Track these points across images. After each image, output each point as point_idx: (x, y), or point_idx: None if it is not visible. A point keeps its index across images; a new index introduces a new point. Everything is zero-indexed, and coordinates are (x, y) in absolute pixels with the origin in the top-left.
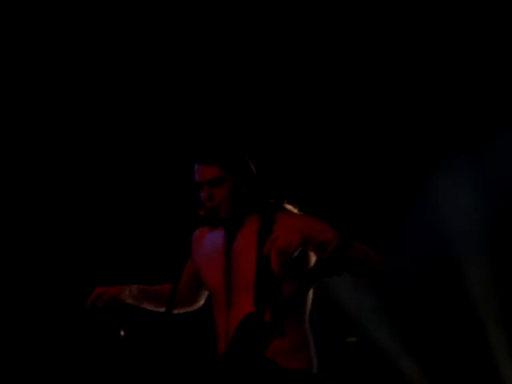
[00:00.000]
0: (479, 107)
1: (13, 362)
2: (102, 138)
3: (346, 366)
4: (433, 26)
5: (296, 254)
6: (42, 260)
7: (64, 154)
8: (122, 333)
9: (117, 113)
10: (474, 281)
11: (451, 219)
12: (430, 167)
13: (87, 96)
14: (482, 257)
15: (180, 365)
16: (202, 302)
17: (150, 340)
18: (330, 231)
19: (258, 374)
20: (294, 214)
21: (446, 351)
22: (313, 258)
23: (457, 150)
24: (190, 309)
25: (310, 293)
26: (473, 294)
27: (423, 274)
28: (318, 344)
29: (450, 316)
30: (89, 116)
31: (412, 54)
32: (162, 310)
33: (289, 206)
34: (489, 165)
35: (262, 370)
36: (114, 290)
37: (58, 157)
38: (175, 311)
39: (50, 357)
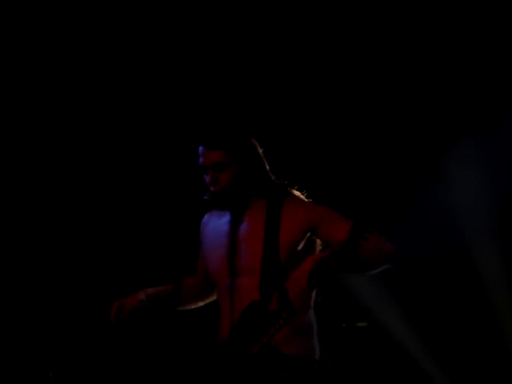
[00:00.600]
0: (486, 92)
1: (13, 361)
2: (102, 123)
3: (355, 351)
4: (438, 18)
5: (301, 246)
6: (43, 259)
7: (63, 148)
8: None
9: (119, 95)
10: (486, 267)
11: (462, 204)
12: (441, 152)
13: (86, 88)
14: (494, 243)
15: (183, 350)
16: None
17: (154, 326)
18: (342, 221)
19: (260, 361)
20: (302, 200)
21: (457, 338)
22: (319, 247)
23: (467, 135)
24: (202, 303)
25: None
26: (484, 282)
27: (434, 260)
28: (327, 329)
29: (461, 302)
30: (89, 103)
31: (421, 42)
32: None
33: (297, 193)
34: (499, 148)
35: (264, 356)
36: (131, 301)
37: (58, 154)
38: (188, 306)
39: (51, 354)
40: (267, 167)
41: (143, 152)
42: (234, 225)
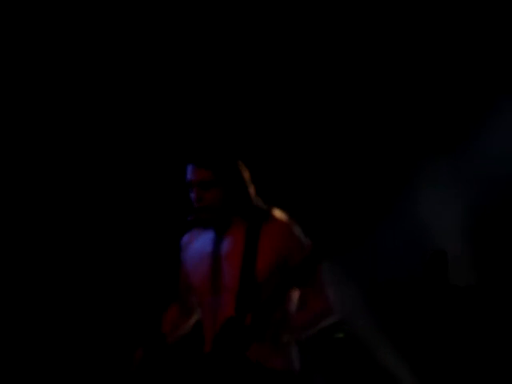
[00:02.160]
0: (455, 108)
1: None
2: (95, 141)
3: (334, 363)
4: (414, 31)
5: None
6: (42, 260)
7: (56, 151)
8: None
9: (114, 114)
10: (457, 278)
11: (433, 219)
12: (411, 169)
13: (77, 100)
14: (465, 255)
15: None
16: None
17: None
18: (304, 250)
19: (240, 375)
20: (281, 225)
21: (432, 347)
22: None
23: (436, 152)
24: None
25: (296, 295)
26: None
27: (406, 278)
28: (305, 340)
29: (436, 315)
30: (77, 123)
31: (392, 60)
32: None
33: (278, 213)
34: (467, 165)
35: (243, 371)
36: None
37: (54, 157)
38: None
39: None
40: (251, 191)
41: (133, 164)
42: (217, 243)
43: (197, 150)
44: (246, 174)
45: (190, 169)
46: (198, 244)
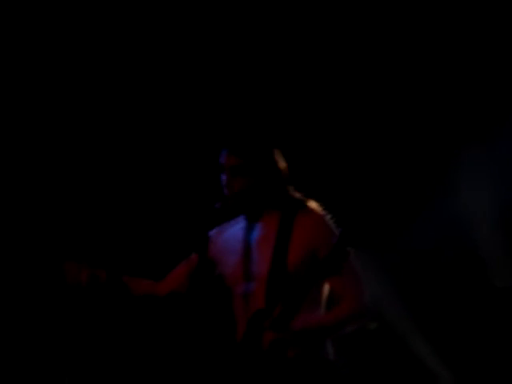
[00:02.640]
0: (490, 98)
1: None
2: (117, 129)
3: (366, 353)
4: (444, 19)
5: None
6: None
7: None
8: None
9: (138, 101)
10: (496, 274)
11: (471, 210)
12: (447, 161)
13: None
14: (503, 246)
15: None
16: None
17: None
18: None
19: (265, 366)
20: (315, 216)
21: (467, 339)
22: None
23: (472, 142)
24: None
25: (326, 289)
26: (494, 289)
27: (443, 264)
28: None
29: (470, 304)
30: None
31: (428, 53)
32: None
33: (313, 204)
34: (504, 155)
35: (268, 362)
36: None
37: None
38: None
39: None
40: (286, 181)
41: (159, 158)
42: (248, 231)
43: (232, 136)
44: (282, 164)
45: (222, 155)
46: (229, 233)
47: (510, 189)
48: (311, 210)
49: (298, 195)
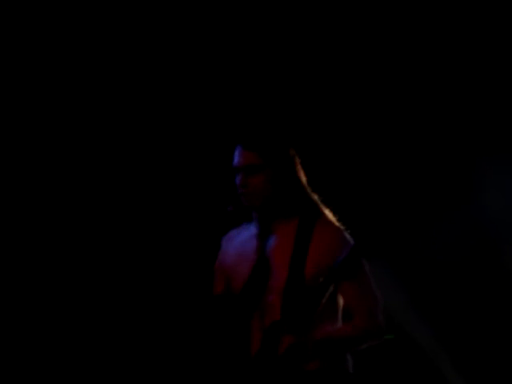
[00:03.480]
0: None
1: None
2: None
3: (383, 364)
4: (459, 22)
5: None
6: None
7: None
8: None
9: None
10: None
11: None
12: (467, 166)
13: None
14: None
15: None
16: None
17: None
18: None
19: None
20: (334, 226)
21: (485, 348)
22: None
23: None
24: None
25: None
26: None
27: (464, 270)
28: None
29: (488, 311)
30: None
31: (447, 57)
32: None
33: (330, 215)
34: None
35: (284, 375)
36: None
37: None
38: None
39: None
40: (304, 180)
41: (168, 159)
42: (262, 238)
43: (246, 131)
44: (298, 163)
45: (237, 152)
46: (240, 239)
47: None
48: (329, 221)
49: (315, 198)
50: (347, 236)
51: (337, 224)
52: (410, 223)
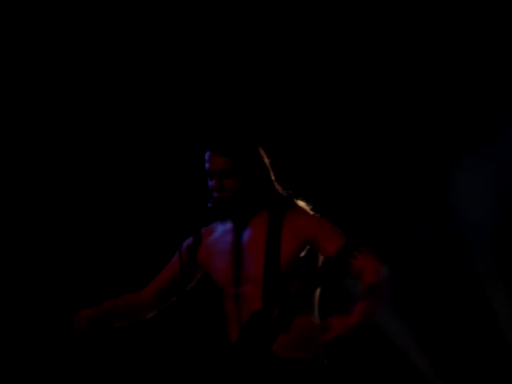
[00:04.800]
0: (487, 99)
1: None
2: (105, 133)
3: (358, 356)
4: (442, 19)
5: (303, 253)
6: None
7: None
8: None
9: (122, 96)
10: (486, 273)
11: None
12: (446, 163)
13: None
14: (498, 249)
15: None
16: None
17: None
18: (335, 238)
19: (262, 369)
20: (304, 212)
21: (458, 344)
22: (321, 257)
23: (471, 144)
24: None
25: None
26: (485, 286)
27: (436, 270)
28: None
29: (461, 307)
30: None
31: (419, 52)
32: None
33: (301, 203)
34: (504, 156)
35: (266, 364)
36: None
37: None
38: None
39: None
40: (273, 177)
41: (146, 156)
42: (238, 233)
43: (215, 136)
44: (267, 160)
45: (208, 157)
46: (218, 235)
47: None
48: (299, 208)
49: (285, 193)
50: (316, 215)
51: (309, 210)
52: (387, 222)
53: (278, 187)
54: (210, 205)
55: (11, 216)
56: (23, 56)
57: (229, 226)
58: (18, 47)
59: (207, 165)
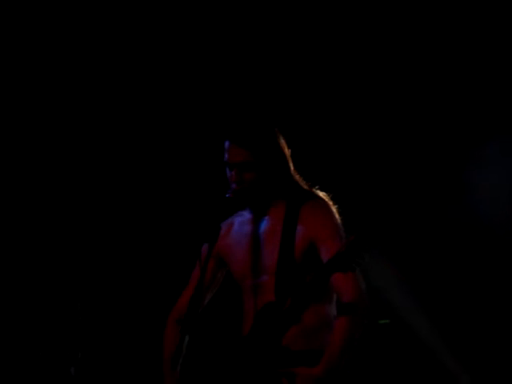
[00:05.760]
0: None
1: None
2: (117, 125)
3: (378, 349)
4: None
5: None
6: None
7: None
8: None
9: (133, 92)
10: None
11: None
12: (463, 160)
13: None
14: None
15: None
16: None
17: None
18: (332, 247)
19: (272, 360)
20: (320, 206)
21: (481, 336)
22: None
23: (487, 140)
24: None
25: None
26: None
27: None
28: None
29: (487, 302)
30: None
31: (443, 50)
32: None
33: (320, 194)
34: None
35: (276, 355)
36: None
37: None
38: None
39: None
40: (292, 168)
41: (163, 150)
42: (256, 224)
43: (234, 127)
44: (286, 150)
45: (227, 147)
46: (236, 227)
47: None
48: (317, 198)
49: (302, 182)
50: (332, 208)
51: (326, 200)
52: (407, 216)
53: (298, 178)
54: (228, 195)
55: (22, 216)
56: (23, 56)
57: (247, 216)
58: (18, 47)
59: (226, 155)
